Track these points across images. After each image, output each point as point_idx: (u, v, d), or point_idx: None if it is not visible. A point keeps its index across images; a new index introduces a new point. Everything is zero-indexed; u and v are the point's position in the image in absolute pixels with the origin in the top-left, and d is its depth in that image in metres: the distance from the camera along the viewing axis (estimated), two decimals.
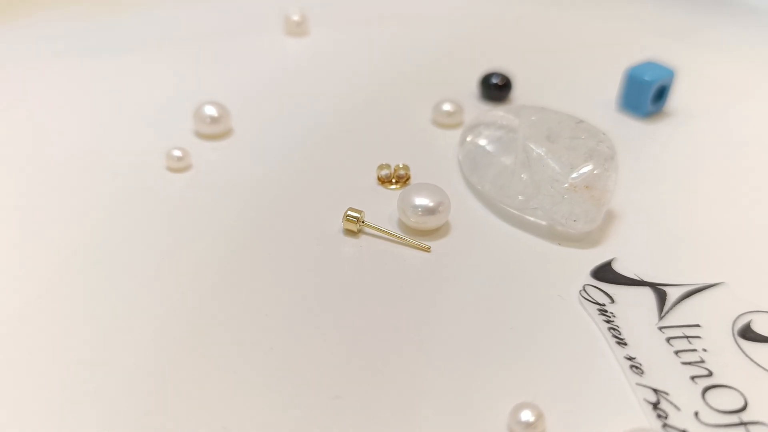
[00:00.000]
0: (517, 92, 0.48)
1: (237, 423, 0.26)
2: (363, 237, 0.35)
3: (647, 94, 0.45)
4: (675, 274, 0.33)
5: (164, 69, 0.50)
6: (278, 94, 0.47)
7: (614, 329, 0.30)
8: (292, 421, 0.26)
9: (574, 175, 0.34)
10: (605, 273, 0.33)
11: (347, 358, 0.29)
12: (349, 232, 0.35)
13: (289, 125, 0.44)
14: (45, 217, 0.35)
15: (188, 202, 0.37)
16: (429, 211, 0.35)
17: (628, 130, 0.45)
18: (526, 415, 0.26)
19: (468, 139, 0.40)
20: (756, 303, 0.32)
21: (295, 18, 0.54)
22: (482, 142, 0.38)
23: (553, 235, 0.36)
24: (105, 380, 0.27)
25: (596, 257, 0.34)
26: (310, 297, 0.31)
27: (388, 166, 0.38)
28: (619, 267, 0.34)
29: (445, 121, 0.44)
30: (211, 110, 0.41)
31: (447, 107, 0.44)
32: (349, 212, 0.34)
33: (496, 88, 0.47)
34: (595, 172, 0.34)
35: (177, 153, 0.39)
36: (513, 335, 0.30)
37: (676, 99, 0.47)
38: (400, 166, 0.38)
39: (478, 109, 0.45)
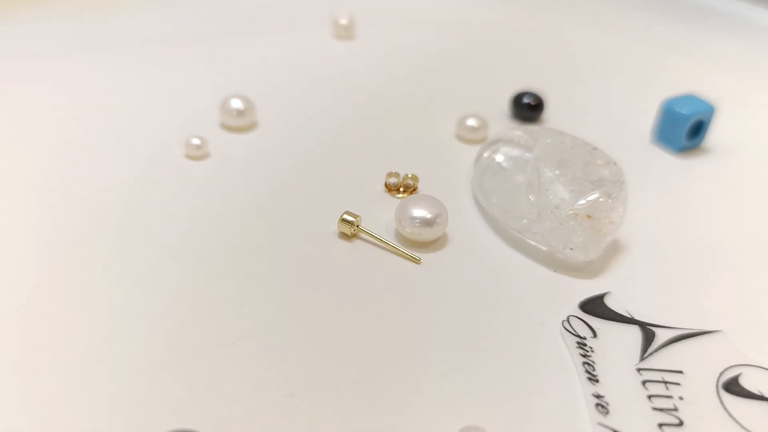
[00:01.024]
0: (549, 113, 0.47)
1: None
2: (358, 242, 0.35)
3: (682, 128, 0.43)
4: (670, 316, 0.32)
5: (215, 61, 0.51)
6: (310, 93, 0.48)
7: (589, 364, 0.29)
8: (242, 413, 0.26)
9: (581, 201, 0.33)
10: (594, 306, 0.32)
11: (302, 353, 0.29)
12: (344, 235, 0.35)
13: (314, 125, 0.45)
14: (70, 200, 0.37)
15: (200, 190, 0.38)
16: (426, 223, 0.34)
17: (658, 163, 0.43)
18: None
19: (485, 155, 0.39)
20: (752, 357, 0.30)
21: (343, 21, 0.55)
22: (499, 158, 0.38)
23: (552, 261, 0.35)
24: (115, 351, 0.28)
25: (591, 288, 0.33)
26: (289, 293, 0.32)
27: (397, 174, 0.38)
28: (611, 301, 0.33)
29: (469, 136, 0.44)
30: (237, 103, 0.43)
31: (471, 122, 0.44)
32: (345, 215, 0.35)
33: (527, 108, 0.46)
34: (600, 200, 0.33)
35: (196, 141, 0.40)
36: (483, 356, 0.29)
37: (715, 135, 0.45)
38: (409, 175, 0.38)
39: (506, 128, 0.44)
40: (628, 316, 0.32)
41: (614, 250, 0.36)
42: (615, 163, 0.35)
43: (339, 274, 0.33)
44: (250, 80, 0.49)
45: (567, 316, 0.32)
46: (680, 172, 0.42)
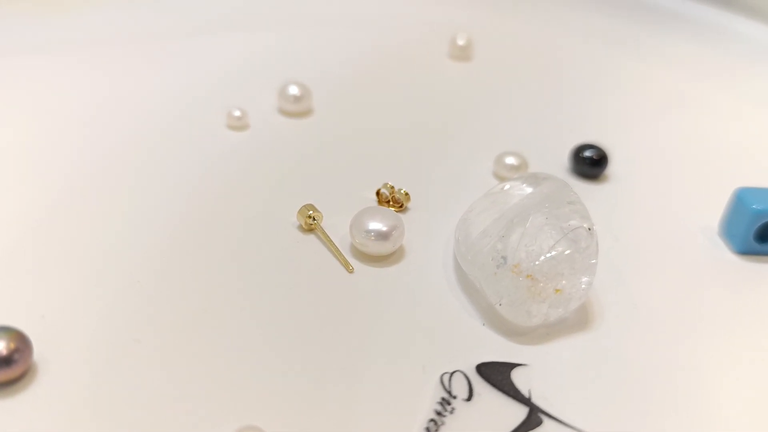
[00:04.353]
0: (613, 168, 0.42)
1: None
2: (311, 237, 0.35)
3: (750, 227, 0.36)
4: (575, 413, 0.27)
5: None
6: (386, 102, 0.48)
7: (435, 423, 0.26)
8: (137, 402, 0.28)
9: (538, 261, 0.30)
10: (494, 372, 0.28)
11: (197, 331, 0.30)
12: (302, 228, 0.35)
13: (363, 127, 0.45)
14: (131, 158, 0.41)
15: (232, 158, 0.41)
16: (381, 236, 0.33)
17: (710, 260, 0.36)
18: None
19: (497, 189, 0.36)
20: None
21: (461, 42, 0.54)
22: (507, 187, 0.35)
23: (493, 315, 0.31)
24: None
25: (511, 354, 0.29)
26: (232, 277, 0.33)
27: (392, 188, 0.37)
28: (520, 374, 0.28)
29: (506, 175, 0.41)
30: (294, 89, 0.45)
31: (510, 161, 0.41)
32: (304, 208, 0.35)
33: (589, 163, 0.41)
34: (551, 262, 0.29)
35: (237, 113, 0.43)
36: (340, 382, 0.28)
37: None
38: (402, 191, 0.37)
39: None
40: (526, 395, 0.28)
41: (579, 328, 0.31)
42: (589, 228, 0.31)
43: (279, 263, 0.33)
44: (303, 70, 0.51)
45: (455, 370, 0.28)
46: (724, 277, 0.35)
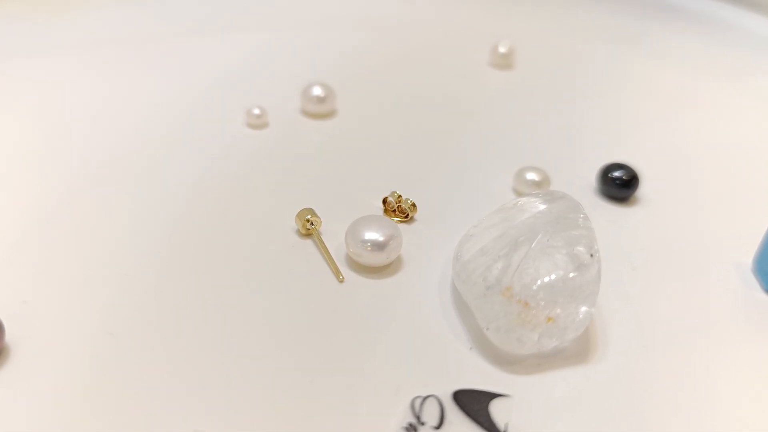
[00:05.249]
0: (645, 190, 0.39)
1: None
2: (307, 242, 0.34)
3: None
4: None
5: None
6: (414, 107, 0.47)
7: None
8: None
9: (535, 285, 0.28)
10: (471, 401, 0.27)
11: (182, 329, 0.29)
12: (299, 233, 0.34)
13: (385, 132, 0.44)
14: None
15: (245, 157, 0.40)
16: (377, 246, 0.32)
17: (737, 297, 0.33)
18: None
19: (509, 204, 0.34)
20: None
21: (502, 50, 0.52)
22: (520, 202, 0.33)
23: (482, 339, 0.29)
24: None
25: (495, 383, 0.27)
26: (223, 277, 0.32)
27: (399, 197, 0.36)
28: (498, 405, 0.27)
29: (526, 191, 0.39)
30: (317, 90, 0.44)
31: (531, 176, 0.38)
32: (303, 212, 0.34)
33: (618, 185, 0.39)
34: (547, 287, 0.27)
35: (256, 111, 0.42)
36: (309, 391, 0.27)
37: None
38: (409, 201, 0.36)
39: (597, 209, 0.38)
40: (501, 429, 0.26)
41: (576, 361, 0.29)
42: (592, 255, 0.29)
43: (271, 266, 0.32)
44: (323, 69, 0.50)
45: (429, 394, 0.27)
46: (755, 317, 0.32)
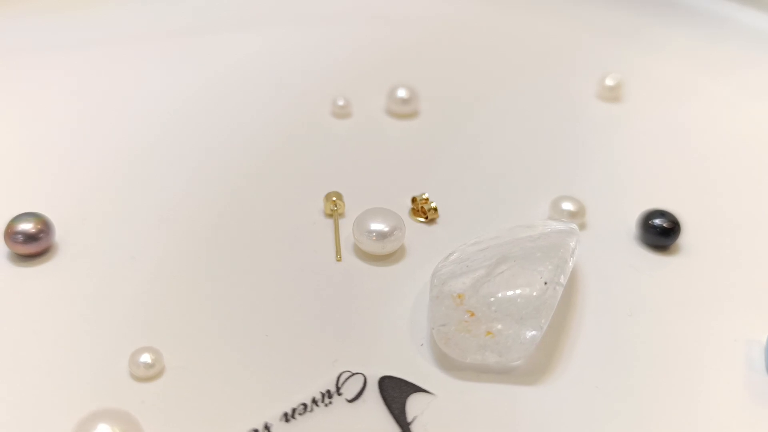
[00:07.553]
0: (688, 238, 0.38)
1: None
2: (326, 223, 0.37)
3: None
4: None
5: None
6: (497, 123, 0.48)
7: (304, 407, 0.27)
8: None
9: (493, 298, 0.29)
10: (394, 388, 0.29)
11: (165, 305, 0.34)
12: (324, 213, 0.38)
13: (454, 140, 0.45)
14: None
15: (324, 144, 0.45)
16: (382, 235, 0.35)
17: (742, 379, 0.31)
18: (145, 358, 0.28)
19: (525, 224, 0.35)
20: None
21: (610, 83, 0.51)
22: (534, 223, 0.34)
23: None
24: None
25: (428, 380, 0.29)
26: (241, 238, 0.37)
27: (426, 200, 0.38)
28: (417, 399, 0.28)
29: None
30: (402, 92, 0.47)
31: (567, 206, 0.39)
32: (331, 194, 0.37)
33: (659, 233, 0.37)
34: (497, 299, 0.29)
35: (340, 102, 0.46)
36: (262, 345, 0.30)
37: None
38: (432, 206, 0.38)
39: (639, 259, 0.37)
40: (407, 419, 0.27)
41: (522, 383, 0.30)
42: (546, 283, 0.29)
43: (288, 239, 0.36)
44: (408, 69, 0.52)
45: (358, 372, 0.29)
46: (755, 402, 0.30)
